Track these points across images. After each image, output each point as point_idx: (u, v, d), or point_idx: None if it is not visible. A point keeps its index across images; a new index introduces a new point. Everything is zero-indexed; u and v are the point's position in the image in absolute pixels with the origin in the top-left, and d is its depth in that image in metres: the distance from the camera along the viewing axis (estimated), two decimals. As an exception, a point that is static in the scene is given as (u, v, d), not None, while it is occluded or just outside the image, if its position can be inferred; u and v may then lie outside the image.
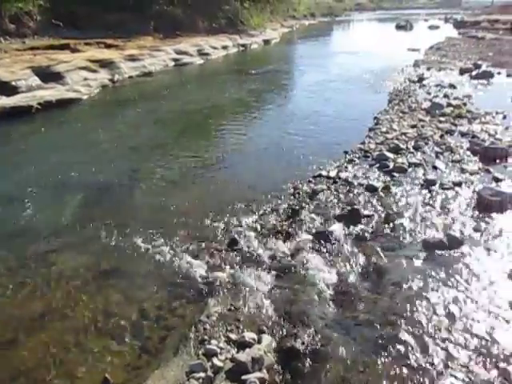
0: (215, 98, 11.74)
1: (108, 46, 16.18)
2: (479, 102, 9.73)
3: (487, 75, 12.66)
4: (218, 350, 3.00)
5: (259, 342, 3.06)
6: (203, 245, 4.40)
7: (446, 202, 5.06)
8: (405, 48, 20.43)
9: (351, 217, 4.75)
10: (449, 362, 2.85)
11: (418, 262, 3.96)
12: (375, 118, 8.73)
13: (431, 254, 4.06)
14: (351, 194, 5.34)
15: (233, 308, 3.45)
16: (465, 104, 9.47)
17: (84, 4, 18.70)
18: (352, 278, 3.78)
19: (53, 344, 3.21)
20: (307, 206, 5.08)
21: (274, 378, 2.82)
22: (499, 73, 13.14)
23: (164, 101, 11.38)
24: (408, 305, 3.40)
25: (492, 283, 3.61)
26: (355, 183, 5.63)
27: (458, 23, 34.48)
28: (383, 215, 4.78)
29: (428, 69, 14.51)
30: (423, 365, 2.85)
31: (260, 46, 25.02)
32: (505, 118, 8.39)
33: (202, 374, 2.83)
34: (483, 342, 3.00)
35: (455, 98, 10.02)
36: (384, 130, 7.83)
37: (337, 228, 4.53)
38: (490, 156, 6.29)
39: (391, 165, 6.11)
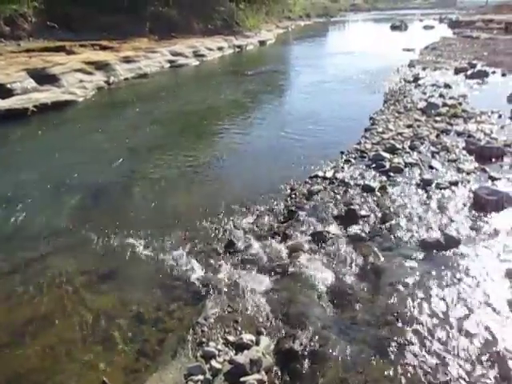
0: (211, 99, 11.73)
1: (103, 48, 16.13)
2: (474, 101, 9.76)
3: (482, 75, 12.70)
4: (217, 352, 3.00)
5: (257, 343, 3.06)
6: (200, 246, 4.40)
7: (443, 201, 5.07)
8: (400, 48, 20.48)
9: (348, 217, 4.76)
10: (447, 362, 2.86)
11: (415, 262, 3.96)
12: (371, 118, 8.75)
13: (428, 253, 4.07)
14: (348, 195, 5.35)
15: (230, 310, 3.45)
16: (460, 103, 9.49)
17: (79, 6, 18.64)
18: (349, 279, 3.79)
19: (50, 348, 3.20)
20: (304, 207, 5.09)
21: (272, 380, 2.82)
22: (494, 72, 13.19)
23: (160, 102, 11.37)
24: (405, 305, 3.41)
25: (489, 282, 3.62)
26: (352, 183, 5.64)
27: (453, 23, 34.58)
28: (380, 215, 4.79)
29: (423, 69, 14.55)
30: (421, 365, 2.85)
31: (255, 47, 25.03)
32: (500, 117, 8.42)
33: (201, 377, 2.82)
34: (481, 341, 3.01)
35: (451, 98, 10.04)
36: (380, 130, 7.85)
37: (334, 228, 4.54)
38: (485, 155, 6.31)
39: (387, 165, 6.12)
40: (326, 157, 6.66)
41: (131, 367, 3.00)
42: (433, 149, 6.76)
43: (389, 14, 58.85)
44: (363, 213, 4.84)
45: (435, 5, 77.97)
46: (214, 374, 2.85)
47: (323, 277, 3.79)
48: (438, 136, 7.38)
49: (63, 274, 4.04)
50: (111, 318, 3.47)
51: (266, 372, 2.84)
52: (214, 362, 2.91)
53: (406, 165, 6.14)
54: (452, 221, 4.63)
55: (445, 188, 5.37)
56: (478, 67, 13.95)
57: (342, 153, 6.81)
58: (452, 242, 4.16)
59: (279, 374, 2.87)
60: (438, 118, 8.42)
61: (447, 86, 11.49)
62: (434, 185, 5.46)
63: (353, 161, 6.47)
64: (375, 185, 5.52)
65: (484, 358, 2.88)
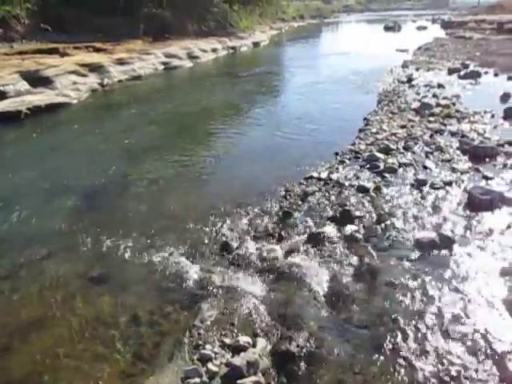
0: (206, 100, 11.72)
1: (97, 50, 16.10)
2: (468, 101, 9.81)
3: (475, 75, 12.77)
4: (213, 355, 2.99)
5: (254, 345, 3.05)
6: (195, 248, 4.39)
7: (437, 201, 5.09)
8: (393, 49, 20.56)
9: (343, 218, 4.76)
10: (444, 361, 2.87)
11: (410, 262, 3.98)
12: (365, 118, 8.77)
13: (423, 253, 4.09)
14: (343, 196, 5.36)
15: (227, 312, 3.44)
16: (454, 104, 9.54)
17: (72, 7, 18.59)
18: (345, 279, 3.79)
19: (44, 352, 3.17)
20: (299, 208, 5.09)
21: (269, 382, 2.81)
22: (487, 72, 13.27)
23: (154, 104, 11.34)
24: (401, 305, 3.42)
25: (484, 281, 3.64)
26: (346, 184, 5.65)
27: (446, 24, 34.74)
28: (375, 216, 4.80)
29: (417, 69, 14.61)
30: (418, 365, 2.86)
31: (249, 49, 25.06)
32: (493, 116, 8.47)
33: (198, 380, 2.81)
34: (478, 340, 3.02)
35: (444, 98, 10.09)
36: (374, 130, 7.87)
37: (329, 229, 4.54)
38: (479, 155, 6.34)
39: (382, 165, 6.13)
40: (320, 158, 6.68)
41: (127, 371, 2.99)
42: (427, 149, 6.79)
43: (382, 15, 59.11)
44: (358, 213, 4.85)
45: (428, 5, 78.36)
46: (210, 376, 2.84)
47: (319, 278, 3.79)
48: (431, 136, 7.41)
49: (57, 278, 4.02)
50: (106, 321, 3.45)
51: (263, 374, 2.84)
52: (210, 365, 2.90)
53: (400, 165, 6.16)
54: (446, 220, 4.66)
55: (439, 188, 5.40)
56: (471, 67, 14.04)
57: (337, 154, 6.83)
58: (447, 242, 4.18)
59: (276, 375, 2.86)
60: (431, 119, 8.46)
61: (440, 86, 11.54)
62: (428, 185, 5.49)
63: (347, 161, 6.48)
64: (370, 185, 5.53)
65: (480, 356, 2.89)
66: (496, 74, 12.95)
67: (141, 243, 4.49)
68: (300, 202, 5.25)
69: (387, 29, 36.08)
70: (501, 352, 2.92)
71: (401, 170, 6.05)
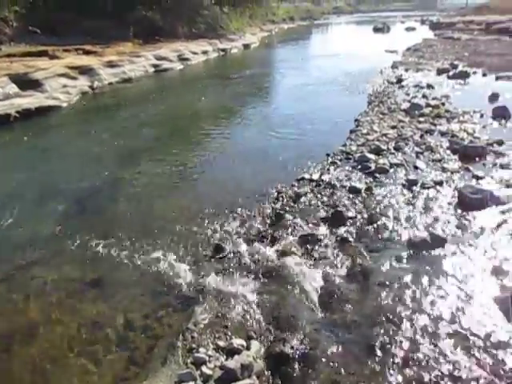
0: (197, 102, 11.71)
1: (87, 53, 16.00)
2: (457, 101, 9.90)
3: (464, 75, 12.90)
4: (207, 358, 2.98)
5: (248, 348, 3.05)
6: (188, 251, 4.38)
7: (428, 201, 5.13)
8: (383, 50, 20.70)
9: (335, 219, 4.78)
10: (438, 360, 2.88)
11: (402, 262, 4.00)
12: (356, 120, 8.81)
13: (415, 253, 4.11)
14: (334, 197, 5.38)
15: (220, 315, 3.43)
16: (443, 104, 9.62)
17: (61, 10, 18.48)
18: (338, 280, 3.80)
19: (38, 357, 3.15)
20: (291, 210, 5.10)
21: (263, 384, 2.81)
22: (475, 72, 13.40)
23: (145, 107, 11.31)
24: (394, 305, 3.43)
25: (476, 280, 3.67)
26: (338, 185, 5.67)
27: (434, 25, 35.06)
28: (367, 216, 4.83)
29: (406, 70, 14.71)
30: (412, 364, 2.87)
31: (240, 51, 25.08)
32: (482, 116, 8.56)
33: (192, 383, 2.80)
34: (470, 339, 3.04)
35: (434, 98, 10.17)
36: (365, 131, 7.91)
37: (321, 230, 4.56)
38: (469, 154, 6.40)
39: (373, 166, 6.17)
40: (312, 159, 6.69)
41: (121, 375, 2.97)
42: (417, 149, 6.83)
43: (371, 17, 59.50)
44: (350, 214, 4.87)
45: (416, 7, 79.02)
46: (204, 380, 2.83)
47: (312, 279, 3.80)
48: (422, 136, 7.46)
49: (49, 283, 4.00)
50: (99, 326, 3.43)
51: (258, 376, 2.84)
52: (204, 368, 2.89)
53: (391, 165, 6.20)
54: (438, 220, 4.69)
55: (430, 188, 5.44)
56: (460, 68, 14.16)
57: (328, 155, 6.85)
58: (438, 241, 4.21)
59: (270, 378, 2.86)
60: (421, 119, 8.53)
61: (430, 86, 11.64)
62: (419, 185, 5.52)
63: (338, 163, 6.51)
64: (361, 186, 5.56)
65: (474, 354, 2.91)
66: (484, 74, 13.08)
67: (133, 246, 4.48)
68: (292, 204, 5.26)
69: (376, 30, 36.32)
70: (493, 350, 2.94)
71: (392, 170, 6.08)
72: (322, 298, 3.59)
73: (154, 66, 17.05)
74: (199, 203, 5.45)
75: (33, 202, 5.68)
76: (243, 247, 4.36)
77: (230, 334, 3.23)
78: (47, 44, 15.68)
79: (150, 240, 4.58)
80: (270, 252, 4.25)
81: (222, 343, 3.12)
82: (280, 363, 2.94)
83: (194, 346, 3.12)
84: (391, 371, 2.83)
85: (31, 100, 10.64)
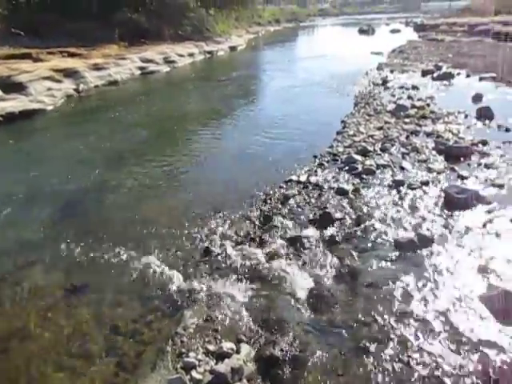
0: (183, 105, 11.67)
1: (72, 55, 15.85)
2: (442, 102, 10.02)
3: (448, 76, 13.07)
4: (197, 363, 2.96)
5: (238, 351, 3.04)
6: (177, 255, 4.36)
7: (415, 201, 5.18)
8: (368, 52, 20.86)
9: (323, 220, 4.80)
10: (426, 360, 2.91)
11: (390, 263, 4.03)
12: (342, 121, 8.86)
13: (403, 253, 4.15)
14: (322, 198, 5.40)
15: (210, 318, 3.42)
16: (428, 105, 9.74)
17: (45, 12, 18.27)
18: (327, 282, 3.81)
19: (25, 365, 3.11)
20: (280, 212, 5.10)
21: (254, 387, 2.80)
22: (459, 73, 13.59)
23: (131, 110, 11.23)
24: (383, 305, 3.45)
25: (462, 279, 3.71)
26: (325, 187, 5.70)
27: (418, 26, 35.44)
28: (354, 217, 4.85)
29: (391, 71, 14.86)
30: (401, 364, 2.89)
31: (226, 53, 25.08)
32: (466, 117, 8.67)
33: (181, 388, 2.79)
34: (458, 337, 3.08)
35: (419, 100, 10.29)
36: (351, 133, 7.96)
37: (310, 232, 4.57)
38: (454, 155, 6.48)
39: (360, 167, 6.21)
40: (299, 161, 6.71)
41: (110, 382, 2.94)
42: (403, 150, 6.90)
43: (356, 19, 60.00)
44: (338, 215, 4.89)
45: (400, 9, 79.87)
46: (194, 384, 2.81)
47: (301, 281, 3.81)
48: (407, 137, 7.53)
49: (36, 289, 3.94)
50: (87, 331, 3.39)
51: (248, 380, 2.83)
52: (194, 373, 2.87)
53: (378, 166, 6.25)
54: (424, 220, 4.73)
55: (416, 188, 5.49)
56: (444, 69, 14.34)
57: (315, 156, 6.87)
58: (425, 241, 4.25)
59: (261, 381, 2.85)
60: (407, 120, 8.61)
61: (415, 87, 11.77)
62: (405, 185, 5.57)
63: (326, 164, 6.53)
64: (348, 187, 5.59)
65: (462, 353, 2.95)
66: (468, 75, 13.27)
67: (121, 251, 4.43)
68: (280, 206, 5.26)
69: (362, 32, 36.64)
70: (481, 348, 2.98)
71: (378, 171, 6.13)
72: (311, 299, 3.60)
73: (140, 68, 16.97)
74: (187, 206, 5.43)
75: (17, 207, 5.60)
76: (232, 250, 4.35)
77: (219, 337, 3.22)
78: (31, 46, 15.51)
79: (138, 244, 4.55)
80: (259, 254, 4.24)
81: (211, 347, 3.11)
82: (270, 366, 2.94)
83: (183, 350, 3.10)
84: (380, 372, 2.84)
85: (15, 103, 10.50)
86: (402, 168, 6.20)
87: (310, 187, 5.73)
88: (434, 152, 6.74)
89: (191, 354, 3.05)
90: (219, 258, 4.25)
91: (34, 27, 17.53)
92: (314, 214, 5.00)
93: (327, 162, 6.64)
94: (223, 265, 4.13)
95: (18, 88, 11.31)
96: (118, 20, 20.60)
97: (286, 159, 6.83)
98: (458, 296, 3.51)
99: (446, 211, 4.89)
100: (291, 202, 5.35)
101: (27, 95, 11.30)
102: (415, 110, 9.26)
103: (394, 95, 11.07)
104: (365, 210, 5.03)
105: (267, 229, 4.74)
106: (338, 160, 6.65)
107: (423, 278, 3.75)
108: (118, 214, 5.36)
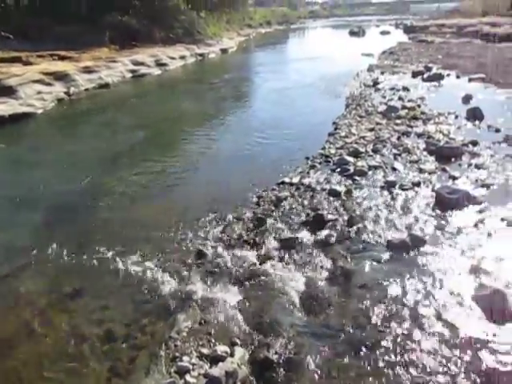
0: (175, 108, 11.65)
1: (62, 58, 15.74)
2: (432, 103, 10.10)
3: (438, 77, 13.17)
4: (191, 367, 2.94)
5: (232, 354, 3.03)
6: (170, 258, 4.33)
7: (407, 202, 5.20)
8: (359, 53, 20.97)
9: (316, 222, 4.80)
10: (421, 361, 2.92)
11: (383, 263, 4.04)
12: (334, 123, 8.89)
13: (396, 254, 4.16)
14: (315, 200, 5.40)
15: (203, 322, 3.40)
16: (419, 106, 9.80)
17: (35, 15, 18.14)
18: (320, 283, 3.82)
19: (15, 371, 3.07)
20: (272, 214, 5.10)
21: (248, 391, 2.79)
22: (449, 74, 13.70)
23: (123, 113, 11.19)
24: (376, 306, 3.46)
25: (455, 279, 3.73)
26: (318, 188, 5.71)
27: (408, 28, 35.72)
28: (347, 219, 4.86)
29: (382, 73, 14.94)
30: (395, 366, 2.90)
31: (218, 55, 25.08)
32: (457, 117, 8.74)
33: (175, 393, 2.77)
34: (452, 337, 3.09)
35: (409, 101, 10.35)
36: (343, 134, 7.99)
37: (303, 234, 4.58)
38: (445, 155, 6.52)
39: (352, 168, 6.22)
40: (291, 162, 6.72)
41: (103, 388, 2.91)
42: (395, 151, 6.93)
43: (347, 21, 60.38)
44: (330, 217, 4.90)
45: (389, 11, 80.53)
46: (188, 389, 2.80)
47: (294, 283, 3.81)
48: (399, 138, 7.58)
49: (28, 294, 3.90)
50: (80, 336, 3.36)
51: (242, 383, 2.82)
52: (188, 377, 2.86)
53: (370, 168, 6.27)
54: (417, 221, 4.76)
55: (408, 189, 5.52)
56: (434, 70, 14.44)
57: (308, 158, 6.89)
58: (418, 242, 4.27)
59: (255, 384, 2.85)
60: (398, 121, 8.66)
61: (405, 89, 11.84)
62: (397, 186, 5.60)
63: (318, 166, 6.55)
64: (341, 189, 5.60)
65: (456, 352, 2.96)
66: (458, 76, 13.39)
67: (114, 255, 4.40)
68: (273, 208, 5.26)
69: (352, 34, 36.87)
70: (474, 348, 2.99)
71: (370, 172, 6.15)
72: (305, 301, 3.59)
73: (132, 71, 16.89)
74: (179, 209, 5.41)
75: (7, 211, 5.55)
76: (225, 253, 4.34)
77: (213, 341, 3.21)
78: (20, 50, 15.37)
79: (130, 247, 4.51)
80: (252, 257, 4.24)
81: (205, 351, 3.10)
82: (264, 369, 2.93)
83: (177, 354, 3.08)
84: (375, 374, 2.84)
85: (5, 107, 10.40)
86: (394, 169, 6.23)
87: (303, 189, 5.74)
88: (425, 153, 6.78)
89: (185, 358, 3.03)
90: (212, 260, 4.23)
91: (23, 30, 17.39)
92: (307, 215, 5.01)
93: (319, 163, 6.65)
94: (216, 267, 4.11)
95: (7, 92, 11.19)
96: (108, 23, 20.50)
97: (278, 161, 6.84)
98: (451, 296, 3.52)
99: (437, 211, 4.92)
100: (284, 203, 5.35)
101: (17, 99, 11.19)
102: (406, 111, 9.32)
103: (384, 96, 11.13)
104: (357, 211, 5.04)
105: (260, 231, 4.73)
106: (330, 161, 6.67)
107: (416, 279, 3.77)
108: (111, 217, 5.33)
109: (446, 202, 5.00)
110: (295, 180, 6.01)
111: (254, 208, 5.31)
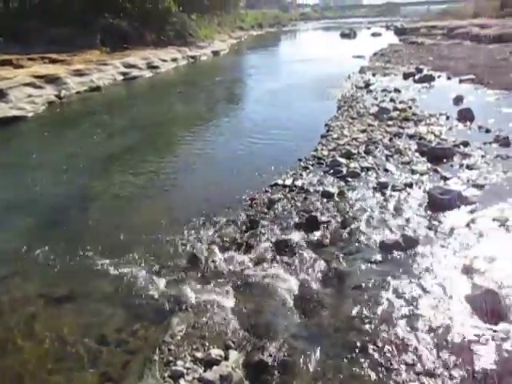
0: (167, 110, 11.61)
1: (53, 61, 15.64)
2: (423, 104, 10.16)
3: (429, 79, 13.27)
4: (185, 371, 2.92)
5: (226, 358, 3.01)
6: (162, 262, 4.30)
7: (399, 203, 5.22)
8: (350, 55, 21.07)
9: (309, 224, 4.80)
10: (415, 361, 2.92)
11: (376, 264, 4.05)
12: (326, 124, 8.90)
13: (389, 255, 4.17)
14: (308, 202, 5.40)
15: (197, 325, 3.38)
16: (410, 107, 9.86)
17: (25, 17, 18.02)
18: (314, 285, 3.81)
19: (7, 377, 3.03)
20: (265, 216, 5.09)
21: (243, 394, 2.78)
22: (440, 76, 13.81)
23: (114, 116, 11.14)
24: (369, 307, 3.46)
25: (447, 279, 3.74)
26: (311, 190, 5.71)
27: (399, 30, 36.00)
28: (340, 220, 4.87)
29: (373, 75, 15.02)
30: (389, 366, 2.90)
31: (209, 58, 25.07)
32: (448, 118, 8.80)
33: (169, 398, 2.75)
34: (445, 337, 3.09)
35: (401, 102, 10.41)
36: (335, 136, 8.01)
37: (296, 236, 4.57)
38: (437, 156, 6.56)
39: (344, 170, 6.24)
40: (284, 164, 6.72)
41: (96, 393, 2.88)
42: (387, 152, 6.96)
43: (338, 23, 60.70)
44: (324, 219, 4.90)
45: (380, 13, 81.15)
46: (183, 393, 2.78)
47: (288, 285, 3.80)
48: (390, 139, 7.61)
49: (19, 298, 3.86)
50: (72, 342, 3.32)
51: (237, 387, 2.81)
52: (182, 382, 2.84)
53: (363, 169, 6.29)
54: (409, 221, 4.78)
55: (400, 190, 5.54)
56: (425, 72, 14.56)
57: (300, 160, 6.89)
58: (410, 242, 4.29)
59: (250, 387, 2.83)
60: (390, 122, 8.70)
61: (397, 90, 11.91)
62: (389, 187, 5.62)
63: (311, 168, 6.56)
64: (334, 190, 5.61)
65: (449, 352, 2.96)
66: (449, 78, 13.50)
67: (106, 259, 4.36)
68: (266, 210, 5.25)
69: (343, 36, 37.06)
70: (467, 348, 3.00)
71: (363, 173, 6.17)
72: (299, 303, 3.59)
73: (123, 74, 16.83)
74: (172, 212, 5.38)
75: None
76: (218, 256, 4.32)
77: (207, 344, 3.19)
78: (10, 52, 15.25)
79: (124, 252, 4.48)
80: (246, 259, 4.23)
81: (199, 354, 3.07)
82: (259, 372, 2.91)
83: (171, 358, 3.06)
84: (369, 375, 2.84)
85: (-5, 111, 10.32)
86: (386, 170, 6.25)
87: (296, 191, 5.74)
88: (416, 154, 6.81)
89: (179, 363, 3.01)
90: (206, 263, 4.21)
91: (13, 33, 17.26)
92: (300, 217, 5.00)
93: (312, 165, 6.66)
94: (210, 271, 4.10)
95: (-3, 95, 11.12)
96: (99, 25, 20.42)
97: (271, 163, 6.83)
98: (444, 296, 3.54)
99: (429, 212, 4.94)
100: (277, 205, 5.34)
101: (7, 102, 11.09)
102: (398, 112, 9.36)
103: (376, 98, 11.18)
104: (350, 212, 5.05)
105: (253, 234, 4.72)
106: (322, 163, 6.68)
107: (409, 279, 3.78)
108: (102, 221, 5.29)
109: (438, 203, 5.03)
110: (288, 182, 6.01)
111: (246, 210, 5.30)
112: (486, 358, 2.89)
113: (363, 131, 8.20)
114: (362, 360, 2.96)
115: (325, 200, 5.41)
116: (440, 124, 8.45)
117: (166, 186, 6.38)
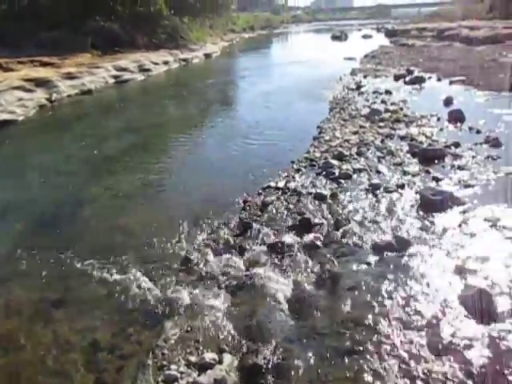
0: (159, 114, 11.58)
1: (43, 65, 15.55)
2: (414, 105, 10.22)
3: (419, 80, 13.36)
4: (179, 375, 2.91)
5: (220, 362, 3.00)
6: (156, 265, 4.28)
7: (392, 204, 5.24)
8: (341, 57, 21.15)
9: (302, 226, 4.81)
10: (409, 362, 2.93)
11: (369, 266, 4.06)
12: (318, 126, 8.92)
13: (382, 256, 4.19)
14: (301, 204, 5.41)
15: (191, 329, 3.37)
16: (401, 109, 9.91)
17: (14, 20, 17.89)
18: (308, 287, 3.81)
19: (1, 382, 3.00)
20: (258, 219, 5.09)
21: (237, 398, 2.77)
22: (430, 77, 13.91)
23: (106, 119, 11.09)
24: (363, 309, 3.47)
25: (440, 280, 3.76)
26: (304, 192, 5.72)
27: (389, 32, 36.23)
28: (333, 222, 4.88)
29: (365, 76, 15.09)
30: (384, 367, 2.90)
31: (201, 61, 25.05)
32: (439, 120, 8.86)
33: (163, 402, 2.73)
34: (439, 338, 3.11)
35: (392, 104, 10.46)
36: (327, 138, 8.03)
37: (289, 238, 4.57)
38: (428, 157, 6.60)
39: (337, 172, 6.25)
40: (277, 167, 6.73)
41: (89, 399, 2.86)
42: (379, 154, 6.99)
43: (329, 25, 60.98)
44: (317, 221, 4.91)
45: (371, 15, 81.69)
46: (177, 397, 2.76)
47: (282, 287, 3.80)
48: (382, 141, 7.64)
49: (11, 303, 3.82)
50: (65, 347, 3.30)
51: (231, 390, 2.80)
52: (176, 386, 2.83)
53: (355, 171, 6.31)
54: (402, 223, 4.80)
55: (392, 191, 5.56)
56: (416, 73, 14.65)
57: (293, 162, 6.90)
58: (403, 244, 4.30)
59: (244, 390, 2.82)
60: (381, 124, 8.74)
61: (388, 92, 11.97)
62: (382, 189, 5.64)
63: (303, 170, 6.56)
64: (326, 192, 5.62)
65: (443, 353, 2.97)
66: (439, 79, 13.60)
67: (98, 263, 4.33)
68: (259, 213, 5.25)
69: (334, 38, 37.23)
70: (460, 348, 3.02)
71: (355, 175, 6.19)
72: (293, 306, 3.59)
73: (115, 77, 16.76)
74: (165, 215, 5.37)
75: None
76: (212, 258, 4.31)
77: (201, 348, 3.18)
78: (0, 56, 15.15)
79: (116, 255, 4.45)
80: (239, 262, 4.22)
81: (193, 358, 3.06)
82: (253, 375, 2.91)
83: (164, 363, 3.04)
84: (364, 377, 2.85)
85: (-16, 115, 10.23)
86: (378, 171, 6.27)
87: (289, 193, 5.75)
88: (408, 155, 6.85)
89: (173, 367, 2.99)
90: (199, 267, 4.20)
91: (2, 37, 17.12)
92: (293, 219, 5.01)
93: (304, 167, 6.67)
94: (203, 274, 4.08)
95: (-13, 99, 11.03)
96: (90, 28, 20.34)
97: (263, 165, 6.84)
98: (437, 296, 3.56)
99: (422, 213, 4.97)
100: (270, 208, 5.35)
101: (-3, 106, 11.02)
102: (389, 113, 9.41)
103: (367, 100, 11.23)
104: (343, 214, 5.07)
105: (247, 236, 4.72)
106: (315, 165, 6.69)
107: (402, 280, 3.79)
108: (93, 226, 5.26)
109: (430, 204, 5.05)
110: (281, 184, 6.01)
111: (239, 213, 5.30)
112: (478, 358, 2.91)
113: (355, 133, 8.23)
114: (356, 363, 2.96)
115: (317, 202, 5.42)
116: (431, 125, 8.50)
117: (158, 189, 6.36)
